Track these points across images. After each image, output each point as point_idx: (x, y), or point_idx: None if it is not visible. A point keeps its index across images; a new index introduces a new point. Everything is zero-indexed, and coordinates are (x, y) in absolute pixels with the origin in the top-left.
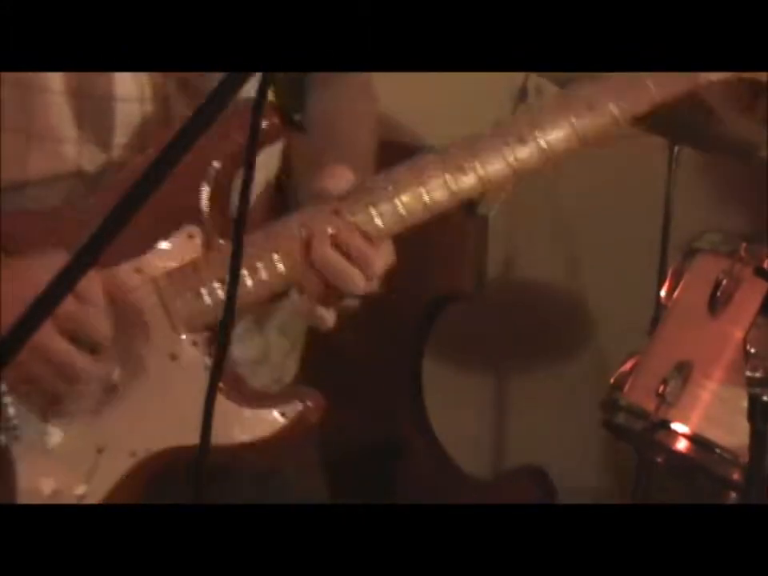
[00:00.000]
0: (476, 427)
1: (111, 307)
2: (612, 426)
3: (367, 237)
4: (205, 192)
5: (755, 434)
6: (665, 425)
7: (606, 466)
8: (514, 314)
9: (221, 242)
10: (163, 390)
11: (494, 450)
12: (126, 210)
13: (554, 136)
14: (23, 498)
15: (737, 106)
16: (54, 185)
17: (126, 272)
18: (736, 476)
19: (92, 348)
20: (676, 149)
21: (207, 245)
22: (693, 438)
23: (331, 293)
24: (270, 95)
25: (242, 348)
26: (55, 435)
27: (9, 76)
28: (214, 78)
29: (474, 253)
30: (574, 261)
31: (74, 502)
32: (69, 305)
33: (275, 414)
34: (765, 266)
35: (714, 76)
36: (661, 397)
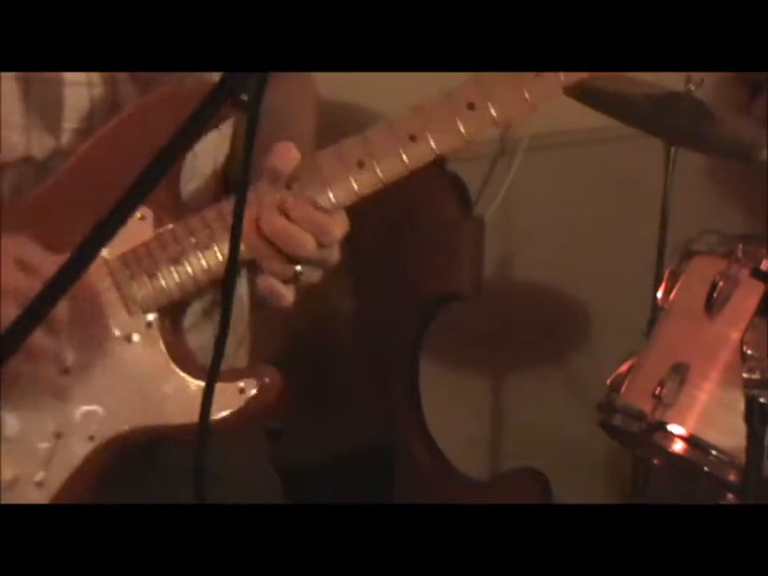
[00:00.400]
0: (473, 428)
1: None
2: (609, 428)
3: (318, 206)
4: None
5: (752, 436)
6: (661, 426)
7: (604, 467)
8: (510, 315)
9: (170, 226)
10: (120, 372)
11: (492, 451)
12: (123, 210)
13: (441, 136)
14: None
15: (734, 107)
16: (1, 173)
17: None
18: (733, 477)
19: (45, 325)
20: (673, 150)
21: (158, 226)
22: (689, 440)
23: (285, 262)
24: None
25: (192, 338)
26: (12, 423)
27: None
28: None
29: (470, 253)
30: (571, 262)
31: (32, 488)
32: (23, 280)
33: (234, 390)
34: (762, 267)
35: (575, 77)
36: (657, 398)
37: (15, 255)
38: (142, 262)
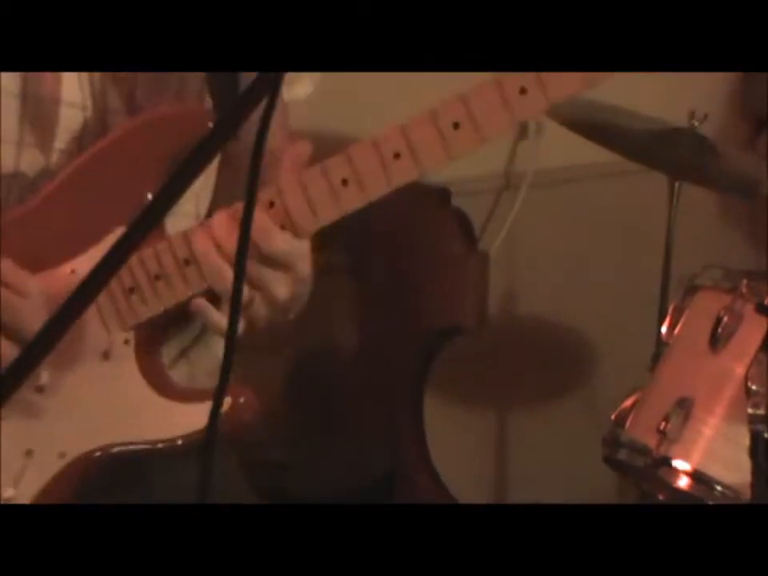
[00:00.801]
0: (477, 463)
1: (46, 307)
2: (614, 463)
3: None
4: (145, 196)
5: (757, 471)
6: (666, 461)
7: (608, 502)
8: (515, 349)
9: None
10: (94, 388)
11: (496, 485)
12: (126, 245)
13: (426, 151)
14: None
15: (737, 142)
16: None
17: (61, 272)
18: None
19: (22, 344)
20: (677, 185)
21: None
22: (694, 475)
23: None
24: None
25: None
26: None
27: None
28: (162, 102)
29: (475, 287)
30: (575, 296)
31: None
32: (11, 302)
33: (207, 408)
34: (766, 302)
35: (561, 94)
36: (662, 433)
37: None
38: (121, 278)
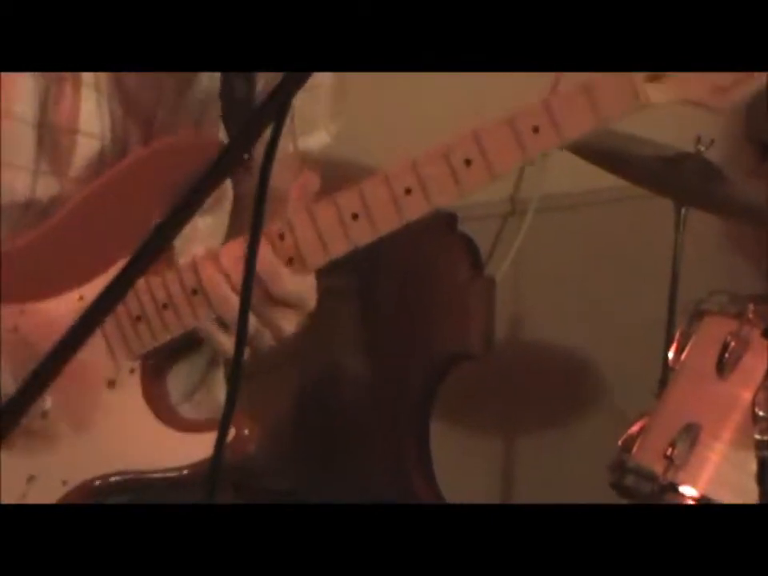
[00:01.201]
0: (484, 488)
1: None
2: (620, 488)
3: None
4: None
5: (764, 497)
6: (673, 487)
7: None
8: (521, 374)
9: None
10: (99, 416)
11: None
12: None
13: (437, 187)
14: None
15: (744, 168)
16: (1, 214)
17: (69, 299)
18: None
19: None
20: (683, 210)
21: (149, 273)
22: (701, 501)
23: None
24: (224, 135)
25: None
26: None
27: None
28: (180, 128)
29: (481, 313)
30: (582, 322)
31: None
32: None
33: (211, 439)
34: None
35: (656, 98)
36: (669, 459)
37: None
38: (128, 306)
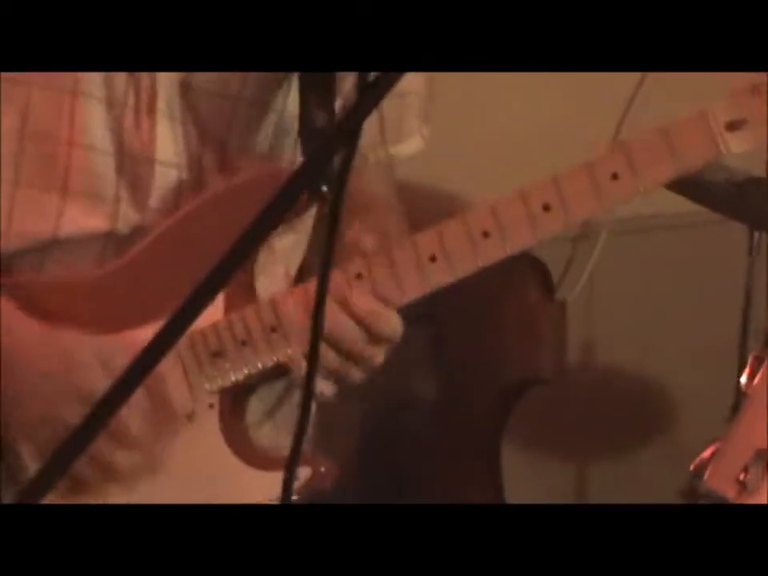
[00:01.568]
0: None
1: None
2: None
3: (377, 304)
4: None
5: None
6: None
7: None
8: (593, 399)
9: (240, 310)
10: (177, 450)
11: None
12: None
13: (580, 205)
14: None
15: None
16: (84, 245)
17: (151, 330)
18: None
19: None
20: (756, 235)
21: (229, 309)
22: None
23: (333, 354)
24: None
25: (254, 435)
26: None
27: (43, 133)
28: (254, 155)
29: (553, 337)
30: (654, 346)
31: None
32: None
33: None
34: None
35: (736, 147)
36: (742, 484)
37: (104, 359)
38: (208, 342)
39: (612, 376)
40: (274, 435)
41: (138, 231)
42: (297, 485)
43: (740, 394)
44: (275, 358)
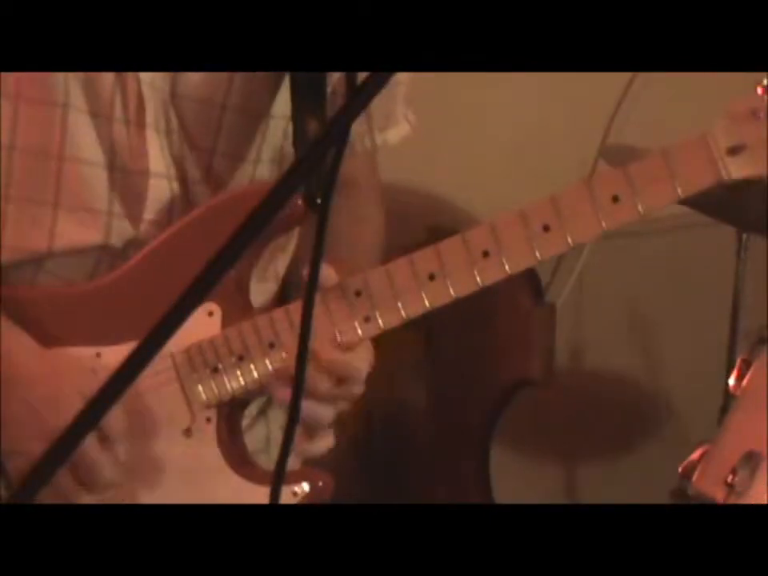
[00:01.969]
0: None
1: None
2: None
3: (340, 347)
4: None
5: None
6: None
7: None
8: (582, 401)
9: (237, 324)
10: (173, 465)
11: None
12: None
13: (580, 227)
14: None
15: None
16: (78, 258)
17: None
18: None
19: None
20: (745, 237)
21: (226, 323)
22: None
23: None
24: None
25: (247, 438)
26: None
27: (36, 147)
28: (239, 169)
29: (542, 340)
30: (643, 349)
31: None
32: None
33: (287, 493)
34: None
35: (737, 173)
36: (730, 486)
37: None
38: (206, 357)
39: (601, 379)
40: (267, 433)
41: (132, 244)
42: (297, 500)
43: (728, 397)
44: (272, 373)
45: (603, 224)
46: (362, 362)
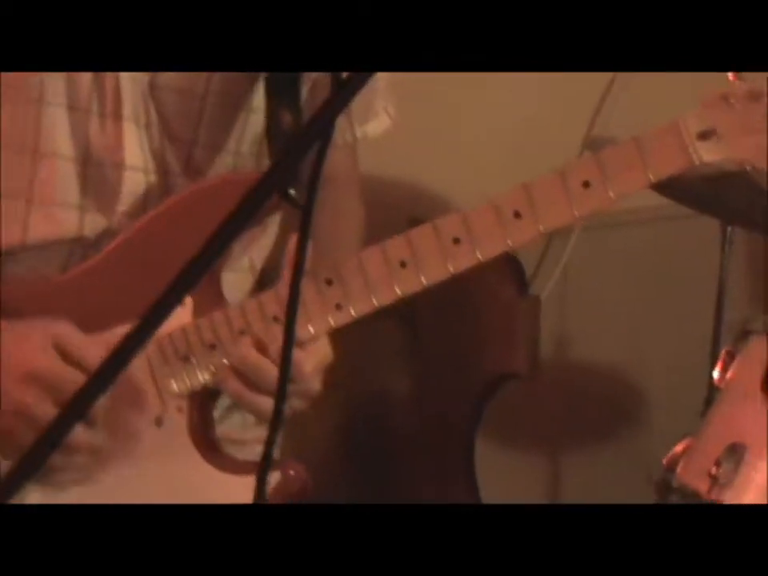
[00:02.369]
0: None
1: None
2: None
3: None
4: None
5: None
6: None
7: None
8: (567, 394)
9: (208, 314)
10: (145, 453)
11: None
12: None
13: (551, 214)
14: None
15: None
16: (51, 250)
17: (116, 338)
18: None
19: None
20: (729, 229)
21: (198, 313)
22: None
23: (253, 391)
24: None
25: (222, 427)
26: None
27: (11, 143)
28: (219, 161)
29: (526, 332)
30: (627, 341)
31: None
32: (65, 372)
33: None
34: None
35: (708, 157)
36: (714, 478)
37: (58, 342)
38: (177, 346)
39: (585, 371)
40: (242, 422)
41: (106, 235)
42: (267, 489)
43: (713, 389)
44: (243, 362)
45: (574, 210)
46: (307, 361)
